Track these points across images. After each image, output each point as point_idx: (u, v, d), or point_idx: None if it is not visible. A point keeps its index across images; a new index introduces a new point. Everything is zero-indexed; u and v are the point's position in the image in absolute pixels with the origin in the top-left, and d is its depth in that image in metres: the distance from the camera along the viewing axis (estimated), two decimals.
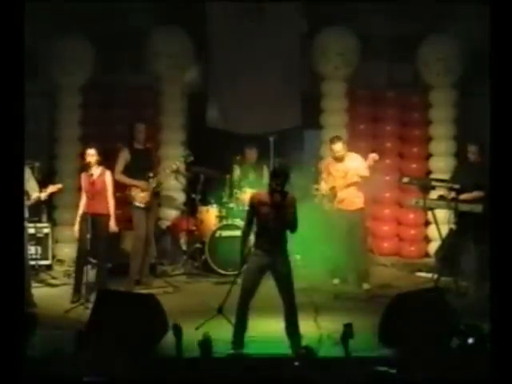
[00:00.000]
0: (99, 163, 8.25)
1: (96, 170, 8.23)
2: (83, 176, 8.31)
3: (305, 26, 10.31)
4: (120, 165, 8.73)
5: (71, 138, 10.13)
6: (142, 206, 8.69)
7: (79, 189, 8.65)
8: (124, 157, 8.76)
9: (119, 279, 8.70)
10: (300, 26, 10.29)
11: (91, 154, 8.22)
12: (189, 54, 10.40)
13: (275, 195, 6.46)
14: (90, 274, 8.18)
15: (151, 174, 8.79)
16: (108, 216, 8.25)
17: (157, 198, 9.05)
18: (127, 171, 8.71)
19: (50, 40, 9.93)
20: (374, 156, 8.56)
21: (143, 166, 8.78)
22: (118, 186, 8.69)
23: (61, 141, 10.18)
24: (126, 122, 9.98)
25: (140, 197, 8.69)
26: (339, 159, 8.66)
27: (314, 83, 10.52)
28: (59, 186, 8.21)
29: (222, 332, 6.75)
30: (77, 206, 8.49)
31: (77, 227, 8.25)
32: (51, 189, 8.09)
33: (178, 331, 5.84)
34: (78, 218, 8.25)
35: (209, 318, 6.96)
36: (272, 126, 10.19)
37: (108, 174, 8.33)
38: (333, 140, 8.71)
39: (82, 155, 8.52)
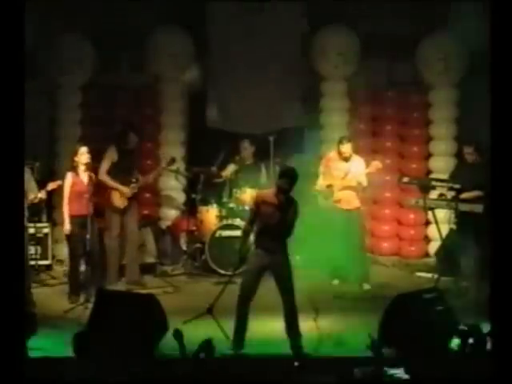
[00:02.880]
0: (88, 165, 8.15)
1: (86, 171, 8.17)
2: (71, 176, 8.17)
3: (305, 26, 10.30)
4: (106, 164, 8.71)
5: (71, 137, 10.10)
6: (118, 208, 8.70)
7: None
8: (111, 156, 8.74)
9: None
10: (300, 25, 10.29)
11: (84, 153, 8.16)
12: (189, 54, 10.40)
13: (281, 195, 6.45)
14: (87, 274, 8.17)
15: (134, 180, 8.80)
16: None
17: (137, 200, 9.00)
18: (111, 171, 8.71)
19: (50, 39, 9.92)
20: (377, 164, 8.60)
21: (128, 167, 8.80)
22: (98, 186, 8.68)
23: (61, 140, 10.16)
24: (126, 122, 9.99)
25: (117, 200, 8.69)
26: (344, 159, 8.69)
27: (314, 83, 10.52)
28: (59, 182, 8.16)
29: (219, 333, 6.77)
30: None
31: (67, 227, 8.15)
32: (51, 186, 8.05)
33: (178, 336, 5.81)
34: (67, 220, 8.15)
35: (197, 315, 6.97)
36: (272, 126, 10.19)
37: (93, 176, 8.24)
38: (341, 141, 8.73)
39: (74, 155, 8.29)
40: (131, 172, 8.85)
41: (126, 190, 8.71)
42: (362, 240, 8.92)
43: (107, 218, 8.78)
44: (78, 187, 8.14)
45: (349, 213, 8.62)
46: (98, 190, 8.72)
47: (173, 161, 9.40)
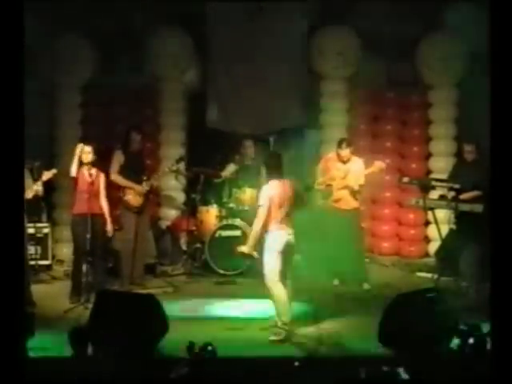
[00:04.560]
0: (93, 164, 8.16)
1: (92, 170, 8.18)
2: (79, 173, 8.16)
3: (305, 26, 10.31)
4: (115, 165, 8.72)
5: (71, 137, 10.11)
6: (134, 208, 8.69)
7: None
8: (118, 158, 8.76)
9: (116, 279, 8.76)
10: (300, 25, 10.29)
11: (87, 152, 8.17)
12: (189, 53, 10.40)
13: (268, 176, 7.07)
14: (89, 274, 8.17)
15: (145, 177, 8.80)
16: (102, 216, 8.22)
17: (149, 200, 9.01)
18: (121, 172, 8.71)
19: (50, 40, 9.92)
20: (380, 164, 8.59)
21: (136, 168, 8.79)
22: (110, 188, 8.68)
23: (61, 141, 10.17)
24: (126, 122, 9.99)
25: (133, 199, 8.69)
26: (343, 162, 8.69)
27: (313, 83, 10.52)
28: (54, 171, 8.10)
29: (220, 333, 6.78)
30: None
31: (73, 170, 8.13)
32: (46, 175, 7.97)
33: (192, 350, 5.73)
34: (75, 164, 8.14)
35: None
36: (272, 126, 10.20)
37: (102, 175, 8.27)
38: (340, 144, 8.72)
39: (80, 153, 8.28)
40: (140, 172, 8.85)
41: (139, 187, 8.71)
42: (361, 240, 8.93)
43: (122, 218, 8.78)
44: (81, 186, 8.13)
45: (348, 213, 8.63)
46: (111, 190, 8.74)
47: (181, 159, 9.45)
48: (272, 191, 6.97)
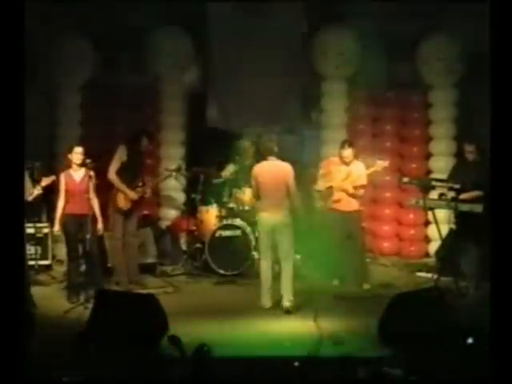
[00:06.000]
0: (82, 164, 8.12)
1: (80, 171, 8.17)
2: (64, 175, 8.17)
3: (305, 26, 10.31)
4: (115, 164, 8.66)
5: (71, 137, 10.09)
6: (122, 210, 8.68)
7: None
8: (120, 156, 8.71)
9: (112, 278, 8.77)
10: (300, 25, 10.29)
11: (78, 153, 8.13)
12: (189, 53, 10.40)
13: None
14: (84, 273, 8.16)
15: (140, 184, 8.76)
16: (93, 215, 8.16)
17: (138, 204, 8.93)
18: (118, 172, 8.67)
19: (50, 40, 9.92)
20: (382, 163, 8.58)
21: (134, 171, 8.74)
22: (108, 186, 8.67)
23: (61, 140, 10.16)
24: (126, 122, 10.00)
25: (122, 202, 8.65)
26: (345, 163, 8.69)
27: (313, 83, 10.52)
28: (53, 177, 8.09)
29: (219, 333, 6.78)
30: None
31: (57, 228, 8.17)
32: (45, 181, 7.97)
33: (175, 341, 5.75)
34: (58, 219, 8.14)
35: None
36: (272, 126, 10.19)
37: (93, 175, 8.17)
38: (343, 145, 8.70)
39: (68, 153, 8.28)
40: (138, 174, 8.81)
41: (132, 194, 8.66)
42: (362, 241, 8.92)
43: (111, 218, 8.76)
44: (71, 186, 8.12)
45: (348, 214, 8.62)
46: (106, 189, 8.72)
47: (179, 169, 9.43)
48: (256, 171, 7.71)
